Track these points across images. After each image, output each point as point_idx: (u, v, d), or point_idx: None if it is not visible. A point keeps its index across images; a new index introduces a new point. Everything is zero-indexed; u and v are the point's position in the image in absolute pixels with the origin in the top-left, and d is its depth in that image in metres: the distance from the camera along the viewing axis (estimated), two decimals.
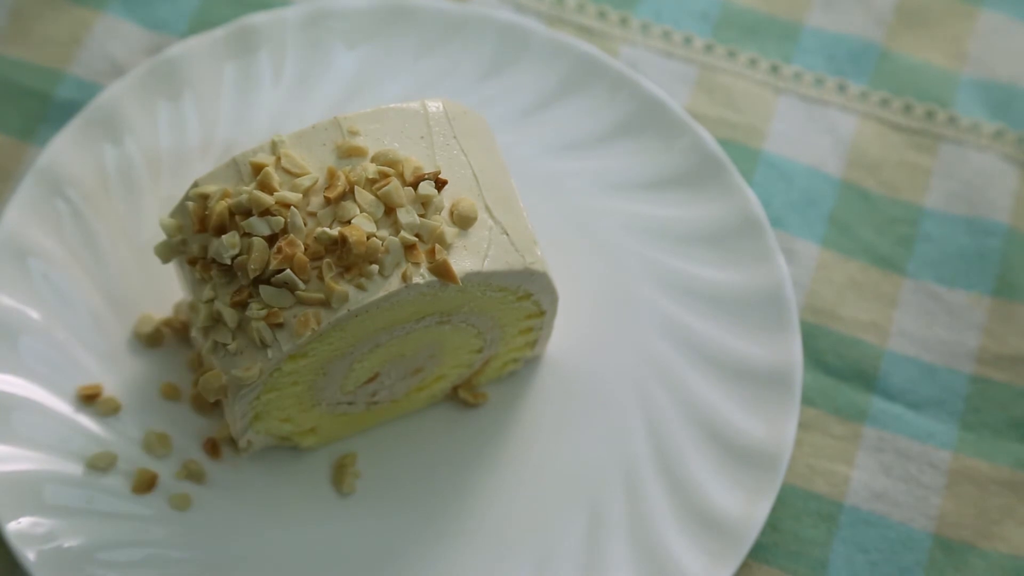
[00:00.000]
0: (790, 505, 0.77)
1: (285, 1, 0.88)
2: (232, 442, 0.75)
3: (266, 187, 0.67)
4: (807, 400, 0.79)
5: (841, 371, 0.80)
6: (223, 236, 0.67)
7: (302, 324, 0.66)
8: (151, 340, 0.77)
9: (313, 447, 0.76)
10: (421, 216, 0.68)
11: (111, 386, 0.76)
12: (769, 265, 0.78)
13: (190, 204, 0.69)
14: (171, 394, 0.76)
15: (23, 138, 0.84)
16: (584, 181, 0.82)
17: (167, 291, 0.78)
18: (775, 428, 0.75)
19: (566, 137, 0.83)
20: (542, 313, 0.74)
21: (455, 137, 0.71)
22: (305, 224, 0.67)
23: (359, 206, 0.67)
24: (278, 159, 0.68)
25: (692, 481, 0.75)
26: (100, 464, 0.74)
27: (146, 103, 0.81)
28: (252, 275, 0.66)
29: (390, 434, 0.77)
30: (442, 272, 0.67)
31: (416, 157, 0.69)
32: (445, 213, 0.68)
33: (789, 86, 0.87)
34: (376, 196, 0.67)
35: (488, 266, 0.68)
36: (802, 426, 0.78)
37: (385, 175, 0.68)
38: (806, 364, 0.80)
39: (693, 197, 0.81)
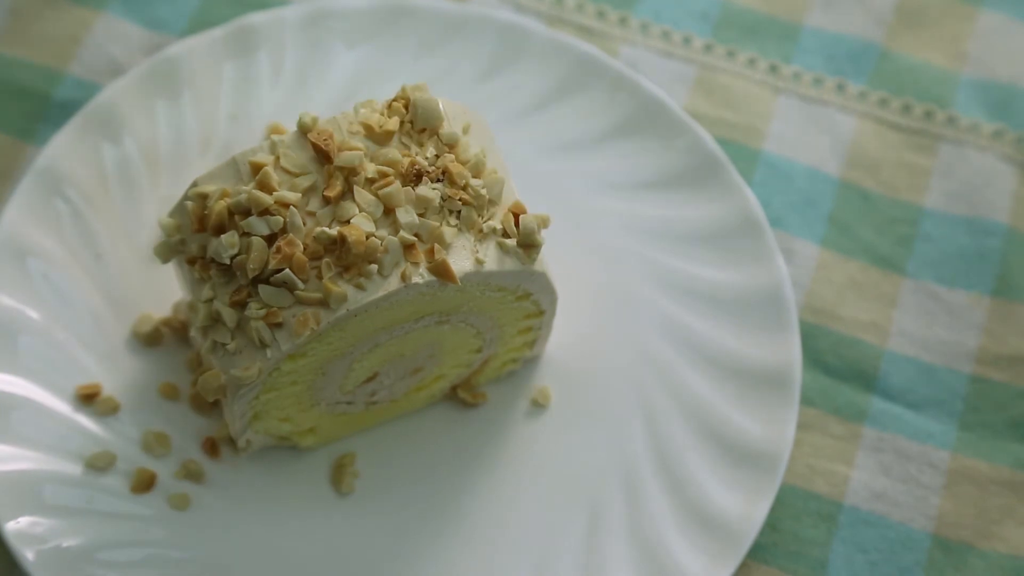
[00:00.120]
0: (789, 505, 0.77)
1: (284, 1, 0.88)
2: (231, 442, 0.75)
3: (265, 187, 0.67)
4: (807, 400, 0.79)
5: (841, 371, 0.80)
6: (222, 236, 0.67)
7: (301, 324, 0.66)
8: (150, 340, 0.77)
9: (312, 447, 0.76)
10: (420, 216, 0.68)
11: (110, 386, 0.76)
12: (769, 265, 0.78)
13: (189, 204, 0.69)
14: (170, 394, 0.76)
15: (22, 138, 0.84)
16: (584, 181, 0.82)
17: (166, 291, 0.78)
18: (774, 428, 0.75)
19: (566, 137, 0.83)
20: (541, 313, 0.74)
21: None
22: (304, 224, 0.67)
23: (358, 206, 0.67)
24: (277, 158, 0.68)
25: (691, 481, 0.75)
26: (99, 464, 0.74)
27: (145, 103, 0.81)
28: (251, 275, 0.66)
29: (389, 434, 0.77)
30: (441, 272, 0.67)
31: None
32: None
33: (788, 86, 0.87)
34: (375, 196, 0.67)
35: (487, 266, 0.68)
36: (801, 426, 0.78)
37: (384, 175, 0.68)
38: (806, 364, 0.79)
39: (693, 197, 0.81)
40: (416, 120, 0.70)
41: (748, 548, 0.73)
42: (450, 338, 0.73)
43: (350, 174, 0.68)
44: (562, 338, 0.78)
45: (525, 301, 0.73)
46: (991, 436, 0.79)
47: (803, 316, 0.81)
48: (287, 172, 0.68)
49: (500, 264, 0.69)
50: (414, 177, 0.68)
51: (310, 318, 0.66)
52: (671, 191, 0.81)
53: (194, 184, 0.69)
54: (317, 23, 0.84)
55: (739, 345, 0.77)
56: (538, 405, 0.78)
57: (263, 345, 0.67)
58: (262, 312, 0.66)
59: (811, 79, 0.87)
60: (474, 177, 0.69)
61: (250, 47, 0.83)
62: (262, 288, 0.66)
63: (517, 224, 0.69)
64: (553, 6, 0.89)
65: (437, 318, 0.71)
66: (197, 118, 0.82)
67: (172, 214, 0.70)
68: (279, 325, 0.67)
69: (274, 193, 0.67)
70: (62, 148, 0.79)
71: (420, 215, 0.68)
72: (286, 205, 0.67)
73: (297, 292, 0.66)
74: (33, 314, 0.76)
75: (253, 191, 0.67)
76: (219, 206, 0.67)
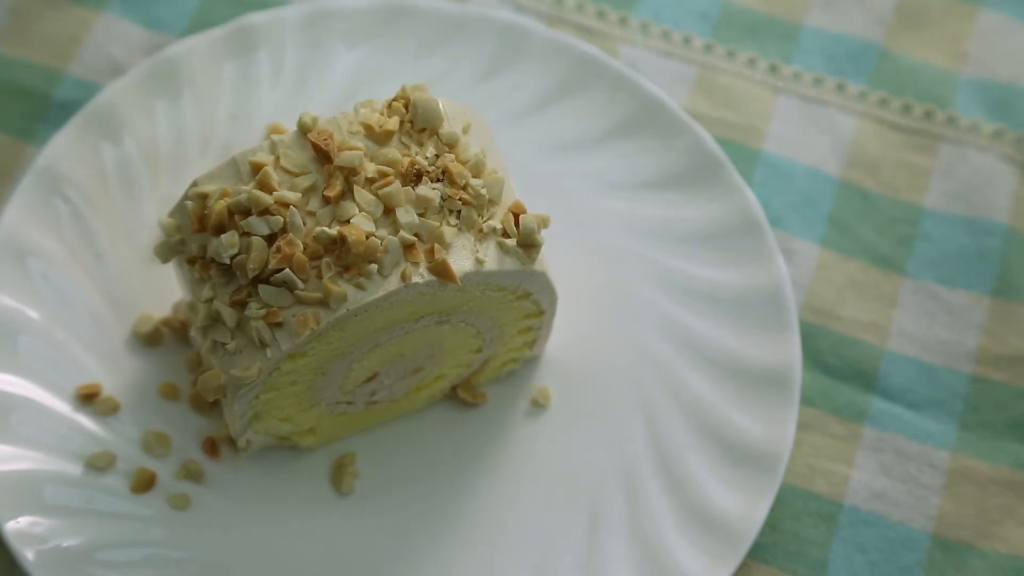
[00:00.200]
0: (789, 505, 0.77)
1: (284, 1, 0.88)
2: (231, 442, 0.75)
3: (265, 186, 0.67)
4: (807, 400, 0.79)
5: (841, 371, 0.80)
6: (222, 235, 0.67)
7: (301, 324, 0.66)
8: (150, 340, 0.77)
9: (312, 447, 0.76)
10: (420, 215, 0.68)
11: (110, 386, 0.76)
12: (769, 265, 0.78)
13: (189, 203, 0.69)
14: (170, 394, 0.76)
15: (22, 138, 0.84)
16: (584, 181, 0.82)
17: (166, 291, 0.78)
18: (774, 428, 0.75)
19: (565, 137, 0.83)
20: (541, 313, 0.74)
21: None
22: (304, 223, 0.67)
23: (358, 205, 0.67)
24: (277, 158, 0.68)
25: (691, 481, 0.75)
26: (99, 464, 0.74)
27: (145, 103, 0.81)
28: (251, 274, 0.66)
29: (389, 434, 0.77)
30: (441, 272, 0.67)
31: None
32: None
33: (788, 86, 0.87)
34: (375, 196, 0.67)
35: (487, 266, 0.68)
36: (801, 426, 0.78)
37: (384, 174, 0.68)
38: (806, 364, 0.79)
39: (693, 197, 0.81)
40: (416, 120, 0.70)
41: (748, 548, 0.73)
42: (450, 338, 0.73)
43: (350, 174, 0.68)
44: (562, 338, 0.78)
45: (525, 301, 0.73)
46: (991, 436, 0.79)
47: (803, 316, 0.81)
48: (287, 172, 0.68)
49: (500, 264, 0.69)
50: (414, 177, 0.68)
51: (310, 318, 0.66)
52: (671, 191, 0.81)
53: (194, 184, 0.69)
54: (317, 23, 0.84)
55: (739, 345, 0.77)
56: (538, 405, 0.78)
57: (263, 345, 0.67)
58: (262, 312, 0.66)
59: (811, 79, 0.87)
60: (474, 177, 0.69)
61: (250, 47, 0.83)
62: (262, 288, 0.66)
63: (517, 224, 0.69)
64: (553, 6, 0.89)
65: (437, 318, 0.71)
66: (197, 118, 0.82)
67: (172, 214, 0.70)
68: (279, 325, 0.67)
69: (274, 193, 0.67)
70: (62, 148, 0.79)
71: (420, 215, 0.68)
72: (286, 205, 0.67)
73: (297, 292, 0.66)
74: (33, 314, 0.76)
75: (253, 191, 0.67)
76: (219, 206, 0.67)
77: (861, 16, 0.89)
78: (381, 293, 0.66)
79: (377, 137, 0.69)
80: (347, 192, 0.68)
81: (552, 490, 0.75)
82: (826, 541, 0.76)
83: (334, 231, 0.66)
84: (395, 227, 0.67)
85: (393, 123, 0.69)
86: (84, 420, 0.75)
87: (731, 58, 0.88)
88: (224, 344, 0.68)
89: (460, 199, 0.68)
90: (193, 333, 0.72)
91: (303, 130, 0.69)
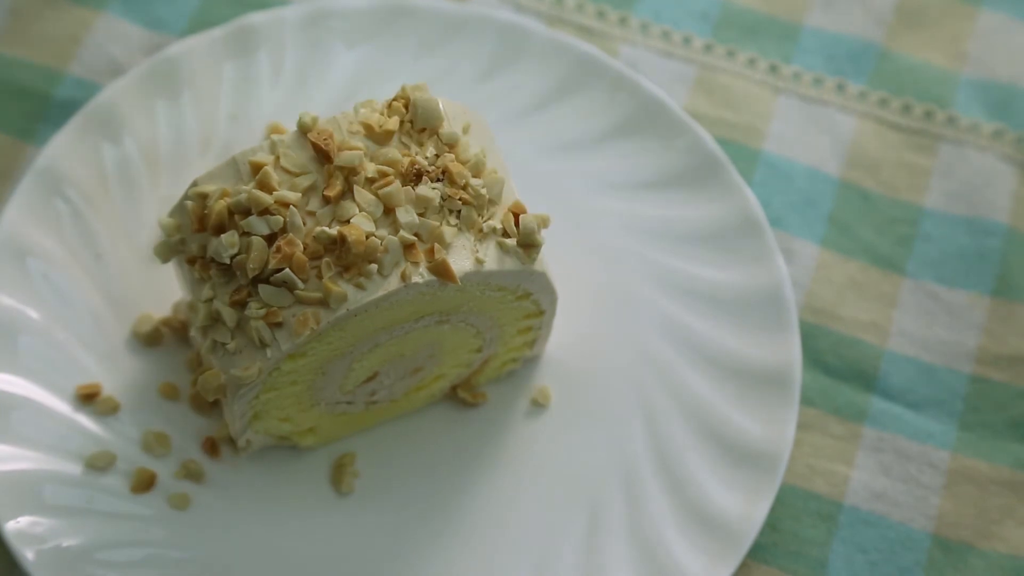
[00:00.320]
0: (789, 505, 0.77)
1: (284, 1, 0.88)
2: (231, 442, 0.75)
3: (265, 186, 0.67)
4: (807, 400, 0.79)
5: (841, 371, 0.80)
6: (222, 235, 0.67)
7: (301, 323, 0.66)
8: (150, 339, 0.77)
9: (312, 447, 0.76)
10: (420, 215, 0.68)
11: (110, 385, 0.76)
12: (768, 265, 0.78)
13: (189, 203, 0.69)
14: (170, 393, 0.76)
15: (22, 138, 0.84)
16: (583, 181, 0.82)
17: (166, 290, 0.78)
18: (774, 428, 0.75)
19: (565, 137, 0.83)
20: (541, 313, 0.74)
21: None
22: (304, 223, 0.67)
23: (358, 205, 0.67)
24: (277, 158, 0.68)
25: (691, 481, 0.75)
26: (99, 464, 0.74)
27: (145, 102, 0.81)
28: (251, 274, 0.66)
29: (389, 434, 0.77)
30: (441, 271, 0.67)
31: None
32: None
33: (788, 86, 0.87)
34: (375, 195, 0.67)
35: (487, 266, 0.68)
36: (801, 426, 0.78)
37: (384, 174, 0.68)
38: (806, 364, 0.79)
39: (693, 197, 0.81)
40: (416, 120, 0.70)
41: (748, 548, 0.73)
42: (450, 338, 0.73)
43: (350, 174, 0.68)
44: (562, 338, 0.78)
45: (525, 301, 0.73)
46: (991, 436, 0.79)
47: (803, 316, 0.81)
48: (287, 172, 0.68)
49: (500, 264, 0.69)
50: (414, 177, 0.68)
51: (310, 318, 0.66)
52: (671, 191, 0.81)
53: (194, 184, 0.69)
54: (317, 23, 0.84)
55: (739, 345, 0.77)
56: (538, 405, 0.78)
57: (263, 345, 0.67)
58: (262, 312, 0.66)
59: (811, 79, 0.87)
60: (474, 177, 0.69)
61: (250, 47, 0.83)
62: (262, 288, 0.66)
63: (517, 224, 0.69)
64: (553, 6, 0.89)
65: (437, 318, 0.71)
66: (197, 118, 0.82)
67: (172, 214, 0.70)
68: (279, 325, 0.67)
69: (274, 193, 0.67)
70: (62, 148, 0.79)
71: (420, 215, 0.68)
72: (286, 205, 0.67)
73: (297, 292, 0.66)
74: (33, 314, 0.76)
75: (253, 191, 0.67)
76: (219, 206, 0.67)
77: (861, 16, 0.89)
78: (381, 293, 0.66)
79: (377, 137, 0.69)
80: (347, 192, 0.68)
81: (552, 490, 0.75)
82: (826, 541, 0.76)
83: (334, 231, 0.66)
84: (395, 227, 0.67)
85: (393, 123, 0.69)
86: (84, 420, 0.75)
87: (731, 58, 0.88)
88: (224, 344, 0.68)
89: (460, 199, 0.68)
90: (193, 333, 0.72)
91: (303, 130, 0.69)
